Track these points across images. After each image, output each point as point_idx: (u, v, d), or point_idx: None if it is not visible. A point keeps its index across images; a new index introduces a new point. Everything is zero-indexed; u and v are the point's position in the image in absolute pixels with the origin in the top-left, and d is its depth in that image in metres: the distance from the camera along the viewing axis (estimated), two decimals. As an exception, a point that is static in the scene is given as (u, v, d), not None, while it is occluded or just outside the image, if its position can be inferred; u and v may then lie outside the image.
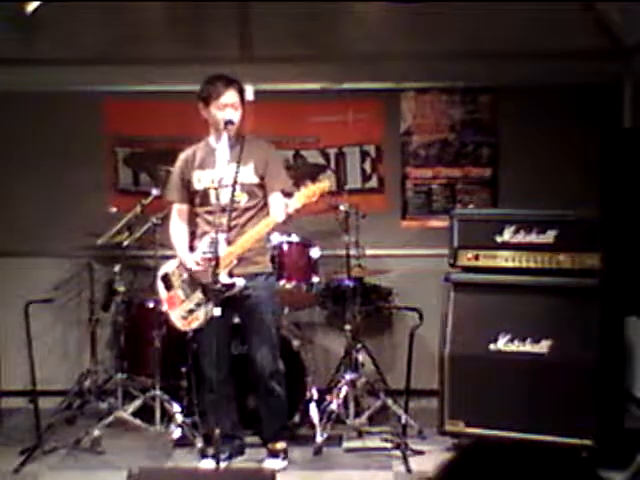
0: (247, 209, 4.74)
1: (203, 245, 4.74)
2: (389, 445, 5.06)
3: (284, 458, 4.89)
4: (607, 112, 5.97)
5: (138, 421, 5.33)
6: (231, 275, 4.62)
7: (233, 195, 4.66)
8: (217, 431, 4.21)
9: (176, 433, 5.18)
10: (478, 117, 6.30)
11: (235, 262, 4.63)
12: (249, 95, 5.74)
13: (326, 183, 4.67)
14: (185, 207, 4.92)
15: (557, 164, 6.02)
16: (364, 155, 6.36)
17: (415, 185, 6.37)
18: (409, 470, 4.80)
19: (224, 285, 4.47)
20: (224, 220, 4.58)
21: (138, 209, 5.53)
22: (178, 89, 6.13)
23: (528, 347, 4.91)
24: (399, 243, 6.27)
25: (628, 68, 5.94)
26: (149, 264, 5.79)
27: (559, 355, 4.83)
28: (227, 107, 4.69)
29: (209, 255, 4.58)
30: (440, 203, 6.33)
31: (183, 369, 5.34)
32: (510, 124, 6.23)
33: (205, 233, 4.77)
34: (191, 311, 4.78)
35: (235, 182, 4.67)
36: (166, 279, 4.92)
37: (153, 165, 5.52)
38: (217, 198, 4.61)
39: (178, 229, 4.93)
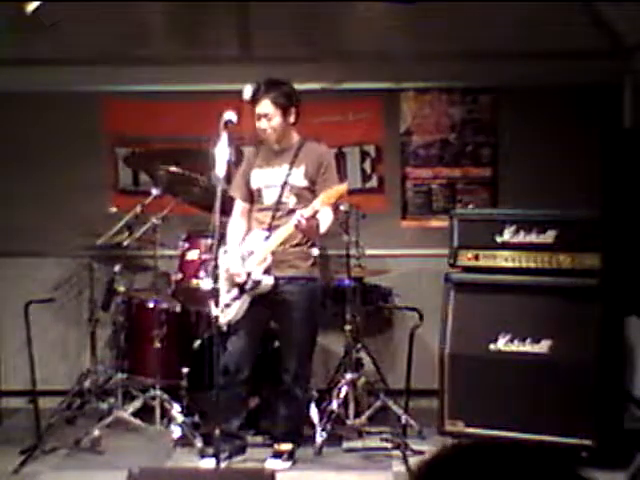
0: (293, 210, 4.74)
1: (246, 242, 4.80)
2: (389, 445, 5.06)
3: (287, 460, 4.88)
4: (607, 112, 5.97)
5: (138, 421, 5.33)
6: (266, 274, 4.69)
7: (281, 196, 4.76)
8: (217, 431, 4.21)
9: (176, 433, 5.18)
10: (478, 117, 6.30)
11: (269, 261, 4.67)
12: (249, 95, 5.73)
13: (345, 185, 4.71)
14: (246, 205, 4.97)
15: (557, 164, 6.02)
16: (364, 155, 6.36)
17: (415, 185, 6.37)
18: (409, 470, 4.80)
19: (254, 281, 4.57)
20: (268, 219, 4.72)
21: (138, 209, 5.52)
22: (178, 89, 6.14)
23: (528, 347, 4.91)
24: (399, 243, 6.27)
25: (628, 68, 5.94)
26: (149, 264, 5.80)
27: (559, 355, 4.83)
28: (261, 118, 4.77)
29: (247, 252, 4.71)
30: (440, 203, 6.33)
31: (184, 369, 5.34)
32: (510, 124, 6.23)
33: (250, 230, 4.88)
34: (227, 305, 4.81)
35: (285, 183, 4.75)
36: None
37: (153, 165, 5.51)
38: (266, 197, 4.71)
39: (235, 225, 4.96)
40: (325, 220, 4.72)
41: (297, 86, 6.14)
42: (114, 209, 5.74)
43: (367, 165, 6.37)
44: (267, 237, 4.73)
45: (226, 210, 4.69)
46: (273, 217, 4.77)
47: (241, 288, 4.76)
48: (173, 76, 6.14)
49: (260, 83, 4.83)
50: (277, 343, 5.20)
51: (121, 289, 5.63)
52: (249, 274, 4.71)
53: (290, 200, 4.79)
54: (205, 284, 5.06)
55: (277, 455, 4.89)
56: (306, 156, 4.85)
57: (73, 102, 6.18)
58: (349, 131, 6.30)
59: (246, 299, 4.75)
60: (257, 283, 4.71)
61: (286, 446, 4.91)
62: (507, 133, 6.26)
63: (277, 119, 4.79)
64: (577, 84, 6.00)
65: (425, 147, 6.34)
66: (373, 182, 6.37)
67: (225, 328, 4.89)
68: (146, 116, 6.27)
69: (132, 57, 6.11)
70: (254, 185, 4.92)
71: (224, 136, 4.58)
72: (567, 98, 6.06)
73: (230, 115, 4.64)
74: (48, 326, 6.18)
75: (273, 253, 4.72)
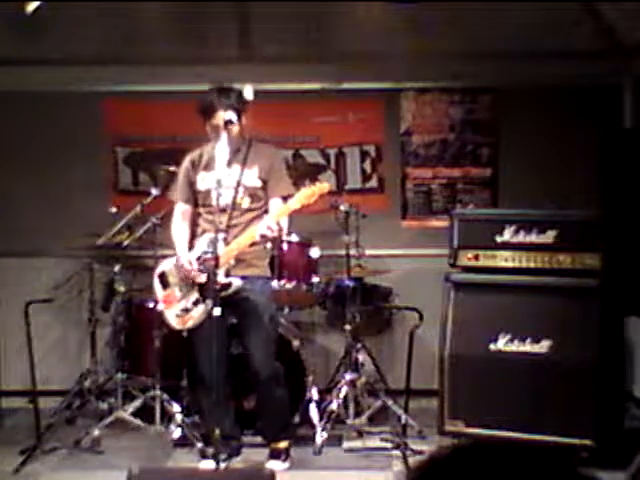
0: (248, 210, 4.76)
1: (201, 244, 4.76)
2: (389, 445, 5.06)
3: (285, 459, 4.88)
4: (607, 112, 5.97)
5: (138, 421, 5.33)
6: (227, 275, 4.63)
7: (235, 197, 4.71)
8: (217, 431, 4.21)
9: (176, 433, 5.18)
10: (478, 117, 6.30)
11: (232, 262, 4.65)
12: (249, 95, 5.73)
13: (325, 185, 4.68)
14: (189, 207, 4.94)
15: (557, 164, 6.02)
16: (364, 155, 6.36)
17: (415, 185, 6.38)
18: (409, 470, 4.79)
19: (221, 285, 4.49)
20: (224, 220, 4.62)
21: (138, 209, 5.52)
22: (178, 89, 6.14)
23: (528, 347, 4.91)
24: (399, 243, 6.28)
25: (628, 68, 5.94)
26: (149, 264, 5.79)
27: (559, 355, 4.83)
28: (219, 128, 4.65)
29: (207, 254, 4.63)
30: (440, 203, 6.34)
31: (184, 369, 5.34)
32: (510, 124, 6.24)
33: (205, 232, 4.80)
34: (186, 310, 4.79)
35: (238, 184, 4.72)
36: (163, 277, 4.92)
37: (153, 165, 5.52)
38: (218, 199, 4.62)
39: (179, 228, 4.94)
40: (285, 225, 4.72)
41: (297, 86, 6.18)
42: (114, 209, 5.74)
43: (367, 165, 6.37)
44: (225, 239, 4.62)
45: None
46: (230, 218, 4.69)
47: (202, 291, 4.70)
48: (173, 76, 6.14)
49: (210, 93, 4.77)
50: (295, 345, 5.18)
51: (121, 289, 5.63)
52: (209, 278, 4.56)
53: (244, 201, 4.76)
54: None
55: (275, 455, 4.87)
56: (257, 156, 4.81)
57: (73, 102, 6.18)
58: (349, 131, 6.31)
59: (209, 302, 4.56)
60: (228, 285, 4.60)
61: (282, 444, 4.90)
62: (507, 133, 6.26)
63: (235, 127, 4.71)
64: (577, 84, 6.00)
65: (425, 147, 6.35)
66: (373, 182, 6.38)
67: (186, 333, 4.89)
68: (146, 116, 6.27)
69: (132, 57, 6.11)
70: (202, 187, 4.84)
71: (224, 136, 4.58)
72: (567, 98, 6.06)
73: (230, 115, 4.64)
74: (48, 326, 6.19)
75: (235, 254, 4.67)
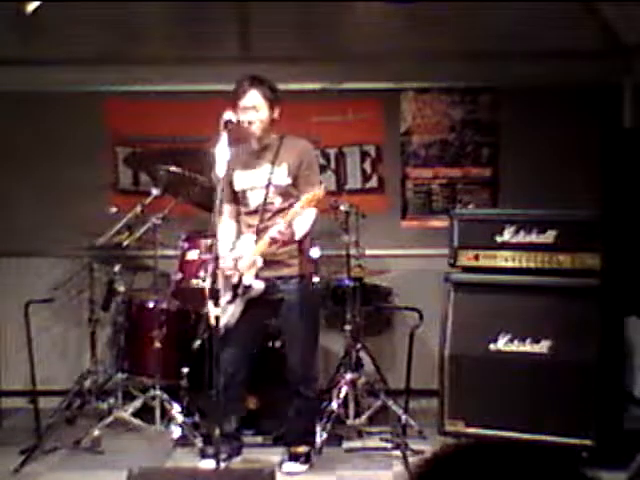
0: (280, 210, 4.73)
1: (237, 246, 4.79)
2: (389, 445, 5.06)
3: (304, 462, 4.85)
4: (607, 112, 5.97)
5: (138, 421, 5.33)
6: (256, 277, 4.67)
7: (266, 197, 4.73)
8: (217, 431, 4.21)
9: (176, 433, 5.18)
10: (478, 117, 6.30)
11: (261, 264, 4.66)
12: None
13: (321, 191, 4.62)
14: (232, 207, 4.93)
15: (557, 164, 6.02)
16: (364, 155, 6.36)
17: (415, 185, 6.38)
18: (409, 470, 4.79)
19: (244, 286, 4.57)
20: (255, 221, 4.71)
21: (138, 209, 5.52)
22: (178, 89, 6.14)
23: (528, 347, 4.91)
24: (399, 243, 6.28)
25: (628, 68, 5.94)
26: (149, 264, 5.79)
27: (559, 355, 4.83)
28: (248, 110, 4.69)
29: (240, 256, 4.69)
30: (440, 203, 6.34)
31: (184, 369, 5.34)
32: (510, 124, 6.24)
33: (242, 233, 4.84)
34: (223, 309, 4.80)
35: (269, 183, 4.72)
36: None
37: (153, 165, 5.51)
38: (252, 200, 4.67)
39: (225, 227, 4.91)
40: (305, 223, 4.70)
41: (297, 86, 6.18)
42: (114, 209, 5.73)
43: (367, 165, 6.37)
44: (256, 241, 4.69)
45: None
46: (261, 220, 4.73)
47: (234, 292, 4.75)
48: (173, 76, 6.14)
49: (244, 78, 4.77)
50: (277, 343, 5.20)
51: (121, 289, 5.63)
52: (241, 278, 4.69)
53: (276, 200, 4.76)
54: (206, 284, 5.05)
55: (294, 458, 4.86)
56: (287, 153, 4.79)
57: (73, 102, 6.17)
58: (349, 131, 6.30)
59: (239, 302, 4.73)
60: (248, 288, 4.68)
61: (302, 448, 4.88)
62: (507, 133, 6.26)
63: (264, 111, 4.73)
64: (577, 84, 6.00)
65: (425, 147, 6.34)
66: (373, 182, 6.37)
67: (222, 331, 4.90)
68: (146, 116, 6.27)
69: (132, 57, 6.11)
70: (237, 187, 4.86)
71: (224, 136, 4.58)
72: (567, 98, 6.05)
73: (230, 115, 4.64)
74: (48, 326, 6.19)
75: (264, 256, 4.69)
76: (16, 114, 6.22)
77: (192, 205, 5.71)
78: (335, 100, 6.26)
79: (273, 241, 4.58)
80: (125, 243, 5.55)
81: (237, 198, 4.90)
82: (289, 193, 4.76)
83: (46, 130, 6.22)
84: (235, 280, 4.71)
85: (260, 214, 4.74)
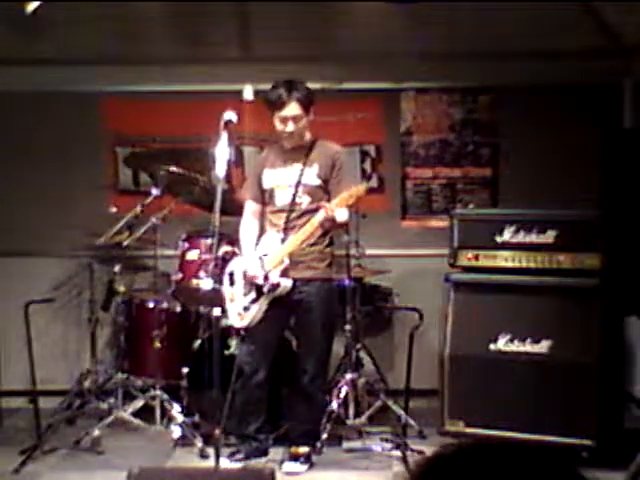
0: (308, 211, 4.74)
1: (261, 245, 4.79)
2: (389, 445, 5.06)
3: (304, 462, 4.84)
4: (607, 112, 5.97)
5: (138, 421, 5.33)
6: (283, 276, 4.67)
7: (295, 196, 4.73)
8: (217, 431, 4.20)
9: (176, 433, 5.18)
10: (478, 117, 6.30)
11: (287, 263, 4.66)
12: (249, 95, 5.74)
13: (364, 186, 4.69)
14: (257, 206, 4.94)
15: (557, 164, 6.02)
16: (364, 155, 6.35)
17: (415, 185, 6.38)
18: (409, 470, 4.79)
19: (272, 284, 4.56)
20: (281, 221, 4.71)
21: (138, 209, 5.52)
22: (178, 89, 6.14)
23: (528, 347, 4.91)
24: (399, 243, 6.28)
25: (628, 68, 5.94)
26: (149, 264, 5.80)
27: (559, 355, 4.83)
28: (287, 121, 4.70)
29: (265, 255, 4.70)
30: (440, 203, 6.34)
31: (184, 369, 5.34)
32: (510, 124, 6.24)
33: (266, 232, 4.86)
34: (246, 308, 4.80)
35: (298, 183, 4.73)
36: (232, 276, 4.93)
37: (153, 165, 5.51)
38: (279, 198, 4.67)
39: (248, 226, 4.94)
40: (344, 214, 4.70)
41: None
42: (114, 209, 5.74)
43: (367, 165, 6.37)
44: (283, 239, 4.71)
45: (226, 210, 4.68)
46: (287, 219, 4.74)
47: (259, 291, 4.74)
48: (173, 76, 6.15)
49: (279, 85, 4.73)
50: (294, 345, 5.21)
51: (121, 289, 5.63)
52: (267, 276, 4.69)
53: (304, 200, 4.77)
54: (205, 284, 5.05)
55: (294, 458, 4.85)
56: (319, 155, 4.81)
57: (73, 102, 6.18)
58: (349, 131, 6.30)
59: (264, 302, 4.73)
60: (276, 286, 4.69)
61: (303, 449, 4.87)
62: (507, 133, 6.26)
63: (303, 120, 4.75)
64: (577, 84, 6.00)
65: (425, 147, 6.35)
66: (373, 182, 6.37)
67: (243, 331, 4.90)
68: (146, 116, 6.28)
69: (132, 57, 6.11)
70: (266, 185, 4.87)
71: (224, 136, 4.58)
72: (567, 98, 6.06)
73: (230, 115, 4.64)
74: (48, 326, 6.18)
75: (290, 255, 4.70)
76: (16, 114, 6.22)
77: (192, 205, 5.71)
78: (335, 100, 6.26)
79: (319, 225, 4.57)
80: (125, 243, 5.55)
81: (264, 197, 4.90)
82: (318, 194, 4.77)
83: (46, 130, 6.22)
84: (260, 279, 4.70)
85: (287, 213, 4.74)
